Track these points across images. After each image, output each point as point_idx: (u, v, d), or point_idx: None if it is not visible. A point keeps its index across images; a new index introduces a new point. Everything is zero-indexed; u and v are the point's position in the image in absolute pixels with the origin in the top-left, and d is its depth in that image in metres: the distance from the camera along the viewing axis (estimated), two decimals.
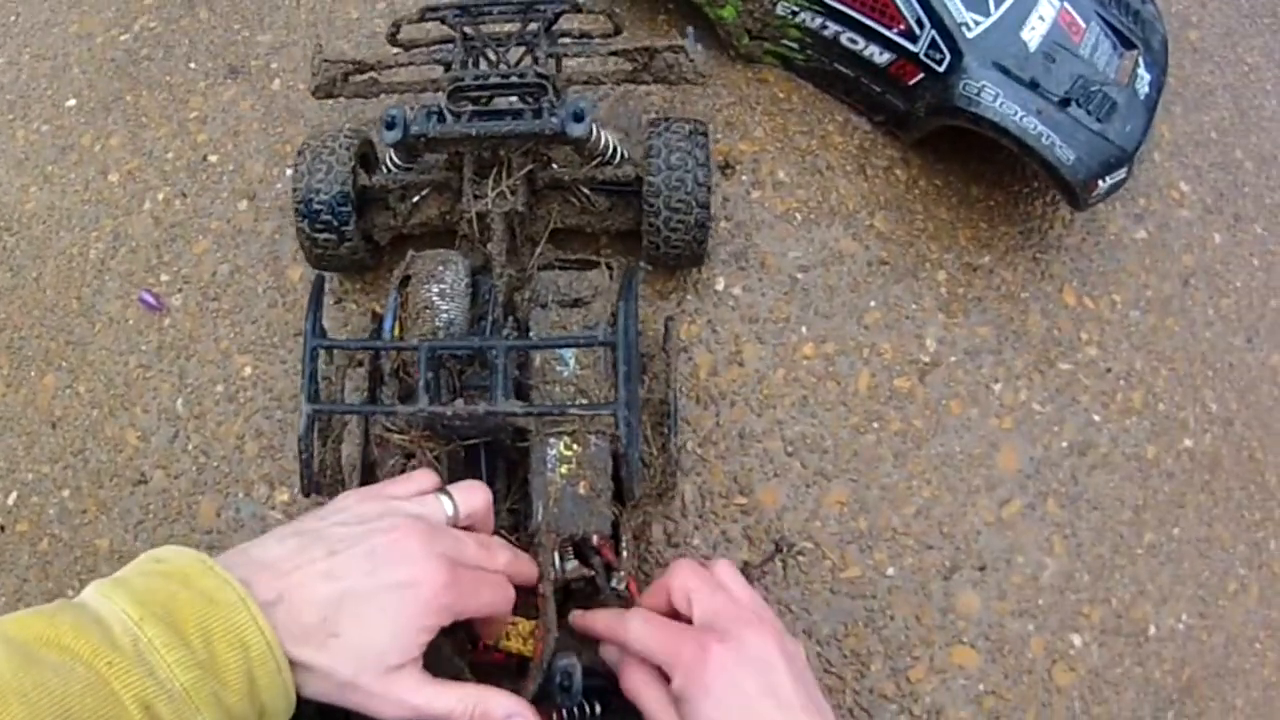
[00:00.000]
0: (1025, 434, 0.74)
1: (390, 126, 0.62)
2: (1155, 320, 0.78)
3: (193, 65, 0.85)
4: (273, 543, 0.46)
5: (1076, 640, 0.72)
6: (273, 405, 0.73)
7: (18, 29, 0.93)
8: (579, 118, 0.62)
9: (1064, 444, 0.74)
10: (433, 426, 0.59)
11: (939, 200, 0.77)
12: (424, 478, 0.55)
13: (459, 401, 0.56)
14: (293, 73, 0.82)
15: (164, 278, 0.78)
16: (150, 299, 0.77)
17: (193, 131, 0.82)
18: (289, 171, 0.78)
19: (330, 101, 0.79)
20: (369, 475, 0.65)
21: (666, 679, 0.52)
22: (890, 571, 0.71)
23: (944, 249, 0.76)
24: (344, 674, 0.43)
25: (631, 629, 0.52)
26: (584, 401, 0.61)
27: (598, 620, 0.57)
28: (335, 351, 0.66)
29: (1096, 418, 0.75)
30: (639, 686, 0.52)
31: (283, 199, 0.77)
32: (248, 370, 0.74)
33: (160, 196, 0.80)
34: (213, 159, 0.80)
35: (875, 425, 0.72)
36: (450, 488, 0.53)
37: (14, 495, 0.77)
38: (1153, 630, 0.73)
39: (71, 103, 0.86)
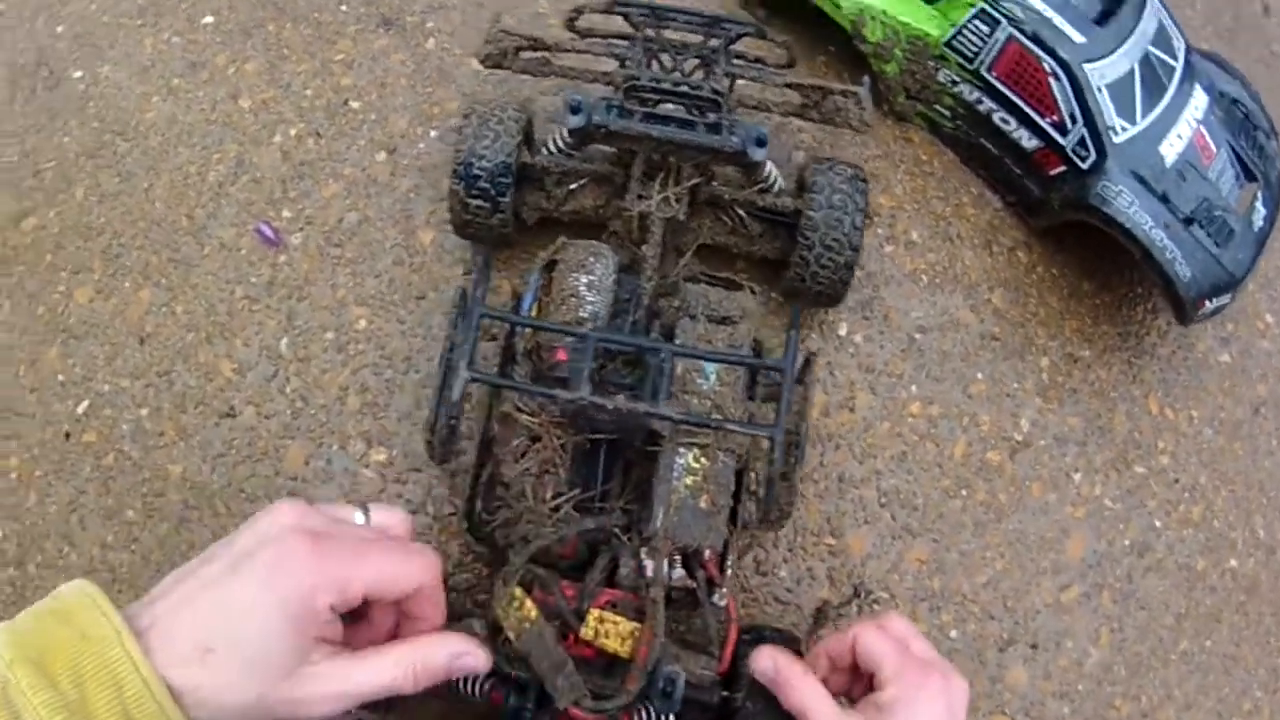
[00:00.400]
0: (1094, 527, 0.77)
1: (575, 111, 0.62)
2: (1224, 442, 0.81)
3: (344, 8, 0.84)
4: (167, 578, 0.42)
5: None
6: (383, 363, 0.72)
7: None
8: (761, 143, 0.63)
9: (1126, 542, 0.77)
10: (578, 416, 0.59)
11: (1053, 288, 0.80)
12: (343, 507, 0.50)
13: (620, 398, 0.56)
14: (450, 35, 0.81)
15: (285, 214, 0.76)
16: (269, 232, 0.75)
17: (336, 74, 0.80)
18: (433, 133, 0.77)
19: (485, 73, 0.78)
20: (485, 450, 0.65)
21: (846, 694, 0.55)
22: (953, 634, 0.72)
23: (1050, 336, 0.79)
24: (242, 691, 0.39)
25: (864, 635, 0.53)
26: (718, 417, 0.61)
27: (829, 643, 0.57)
28: (461, 321, 0.66)
29: (1158, 523, 0.79)
30: (809, 694, 0.52)
31: (424, 159, 0.77)
32: (362, 323, 0.73)
33: (293, 132, 0.79)
34: (355, 105, 0.79)
35: (963, 492, 0.74)
36: (370, 505, 0.49)
37: (86, 404, 0.75)
38: None
39: (208, 20, 0.85)
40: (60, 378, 0.76)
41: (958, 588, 0.73)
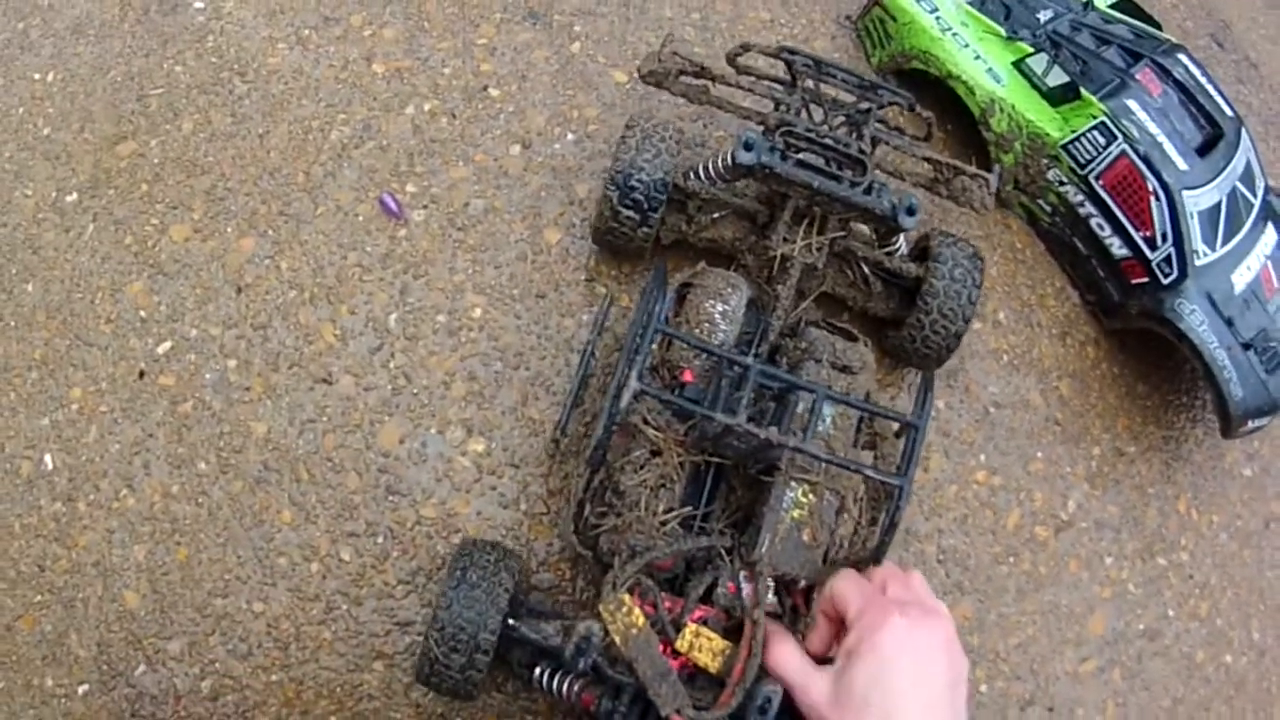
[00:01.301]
0: (1116, 607, 0.82)
1: (748, 148, 0.64)
2: (1236, 548, 0.88)
3: None
4: None
5: None
6: (494, 354, 0.72)
7: None
8: (912, 212, 0.66)
9: (1141, 626, 0.83)
10: (715, 439, 0.61)
11: (1113, 386, 0.85)
12: None
13: (773, 429, 0.58)
14: (595, 42, 0.82)
15: (410, 188, 0.76)
16: (393, 204, 0.74)
17: (477, 57, 0.80)
18: (570, 135, 0.78)
19: (629, 87, 0.80)
20: (600, 454, 0.66)
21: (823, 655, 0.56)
22: (983, 689, 0.77)
23: (1104, 429, 0.84)
24: None
25: (836, 582, 0.56)
26: (870, 466, 0.64)
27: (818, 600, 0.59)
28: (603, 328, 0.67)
29: (1171, 613, 0.85)
30: (784, 653, 0.54)
31: (557, 159, 0.77)
32: (477, 311, 0.73)
33: (426, 107, 0.78)
34: (494, 93, 0.79)
35: (1011, 560, 0.79)
36: None
37: (167, 345, 0.73)
38: None
39: None
40: (142, 314, 0.74)
41: (993, 646, 0.77)
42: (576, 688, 0.62)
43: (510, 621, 0.63)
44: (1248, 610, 0.88)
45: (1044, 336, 0.83)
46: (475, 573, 0.63)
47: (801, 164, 0.67)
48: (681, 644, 0.60)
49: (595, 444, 0.59)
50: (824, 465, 0.64)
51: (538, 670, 0.64)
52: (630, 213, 0.69)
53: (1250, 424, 0.82)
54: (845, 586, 0.56)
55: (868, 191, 0.67)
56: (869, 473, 0.60)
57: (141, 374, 0.72)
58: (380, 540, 0.69)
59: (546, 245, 0.75)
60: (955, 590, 0.77)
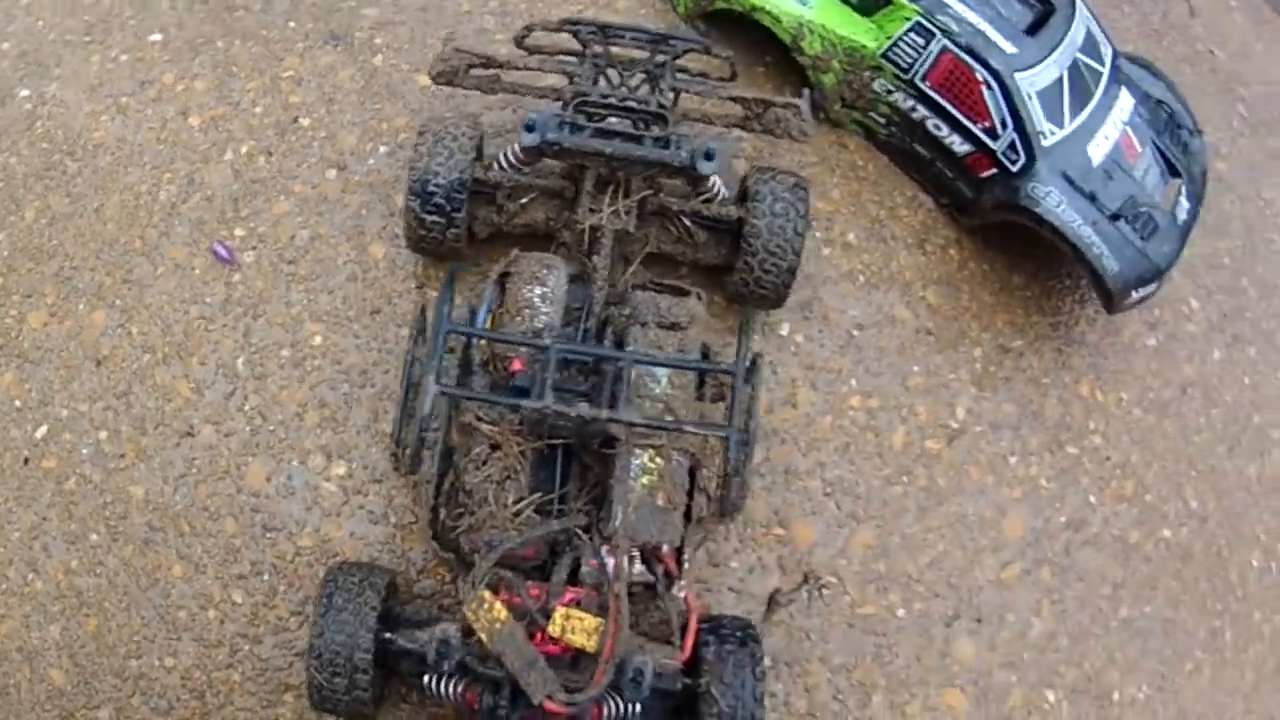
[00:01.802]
0: (1031, 506, 0.81)
1: (530, 129, 0.65)
2: (1154, 420, 0.86)
3: (292, 24, 0.84)
4: None
5: (1051, 696, 0.79)
6: (340, 378, 0.73)
7: None
8: (709, 157, 0.66)
9: (1062, 519, 0.82)
10: (539, 424, 0.62)
11: (984, 284, 0.83)
12: None
13: (583, 405, 0.59)
14: (396, 52, 0.82)
15: (238, 232, 0.77)
16: (223, 251, 0.76)
17: (285, 91, 0.81)
18: (383, 149, 0.79)
19: (433, 89, 0.80)
20: (446, 460, 0.67)
21: None
22: (900, 613, 0.76)
23: (983, 329, 0.82)
24: None
25: None
26: (673, 419, 0.64)
27: None
28: (421, 337, 0.68)
29: (1092, 499, 0.83)
30: None
31: (373, 175, 0.78)
32: (318, 339, 0.74)
33: (244, 150, 0.80)
34: (304, 122, 0.80)
35: (905, 479, 0.78)
36: None
37: (44, 429, 0.75)
38: (1116, 696, 0.80)
39: (156, 37, 0.85)
40: (17, 403, 0.77)
41: (903, 569, 0.77)
42: (460, 688, 0.64)
43: (387, 636, 0.65)
44: (1179, 480, 0.86)
45: (900, 249, 0.81)
46: (341, 596, 0.64)
47: (600, 133, 0.67)
48: (554, 629, 0.62)
49: (411, 452, 0.60)
50: (678, 432, 0.64)
51: (425, 678, 0.66)
52: (435, 217, 0.69)
53: (1135, 294, 0.80)
54: None
55: (665, 145, 0.67)
56: (689, 428, 0.60)
57: (26, 460, 0.75)
58: (266, 577, 0.71)
59: (374, 261, 0.76)
60: (850, 521, 0.76)
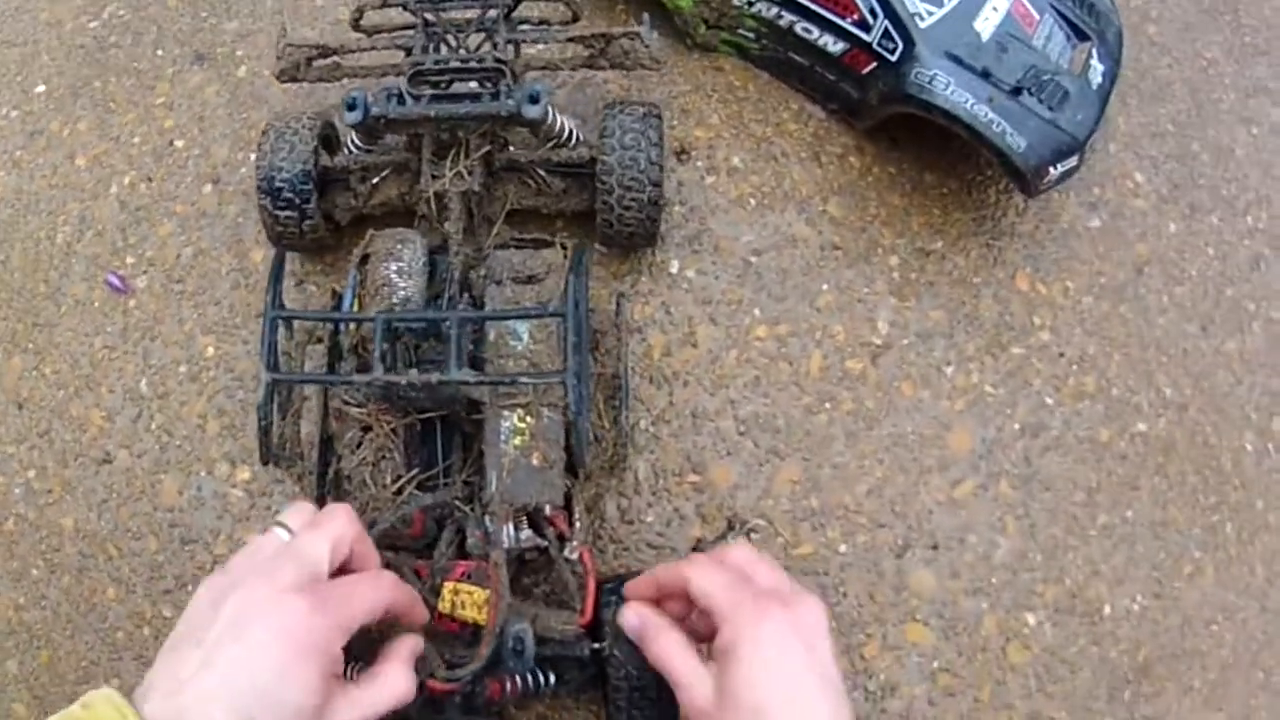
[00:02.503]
0: (977, 416, 0.75)
1: (351, 108, 0.63)
2: (1108, 307, 0.79)
3: (160, 52, 0.86)
4: (155, 668, 0.45)
5: (1030, 619, 0.73)
6: (235, 385, 0.74)
7: None
8: (534, 99, 0.63)
9: (1016, 426, 0.75)
10: (389, 398, 0.60)
11: (892, 187, 0.78)
12: (262, 540, 0.52)
13: (412, 371, 0.57)
14: (258, 59, 0.83)
15: (129, 260, 0.79)
16: (116, 281, 0.78)
17: (159, 117, 0.83)
18: (253, 156, 0.79)
19: (295, 87, 0.80)
20: (327, 449, 0.66)
21: (701, 642, 0.52)
22: (843, 549, 0.72)
23: (897, 235, 0.77)
24: None
25: (695, 575, 0.51)
26: (526, 373, 0.62)
27: (658, 571, 0.56)
28: (295, 328, 0.67)
29: (1049, 401, 0.77)
30: (670, 649, 0.50)
31: (247, 183, 0.78)
32: (210, 350, 0.75)
33: (126, 181, 0.81)
34: (179, 144, 0.81)
35: (827, 406, 0.73)
36: (281, 515, 0.52)
37: None
38: (1108, 610, 0.74)
39: (40, 89, 0.87)
40: None
41: (839, 501, 0.72)
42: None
43: None
44: (1147, 368, 0.79)
45: (793, 164, 0.77)
46: None
47: (439, 98, 0.66)
48: (443, 605, 0.60)
49: (259, 444, 0.60)
50: (533, 387, 0.62)
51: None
52: (287, 212, 0.69)
53: (1053, 171, 0.73)
54: (705, 580, 0.51)
55: (495, 98, 0.65)
56: (524, 380, 0.58)
57: None
58: (190, 589, 0.72)
59: (254, 266, 0.76)
60: (772, 457, 0.72)
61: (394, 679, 0.49)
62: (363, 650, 0.55)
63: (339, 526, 0.50)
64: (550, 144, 0.69)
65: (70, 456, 0.76)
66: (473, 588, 0.60)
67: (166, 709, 0.41)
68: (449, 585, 0.60)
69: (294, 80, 0.72)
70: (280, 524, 0.51)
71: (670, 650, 0.51)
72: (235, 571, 0.47)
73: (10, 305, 0.81)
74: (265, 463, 0.60)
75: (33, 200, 0.83)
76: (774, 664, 0.46)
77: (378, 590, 0.50)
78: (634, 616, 0.55)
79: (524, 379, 0.57)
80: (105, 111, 0.85)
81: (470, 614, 0.59)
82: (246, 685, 0.42)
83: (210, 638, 0.43)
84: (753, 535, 0.71)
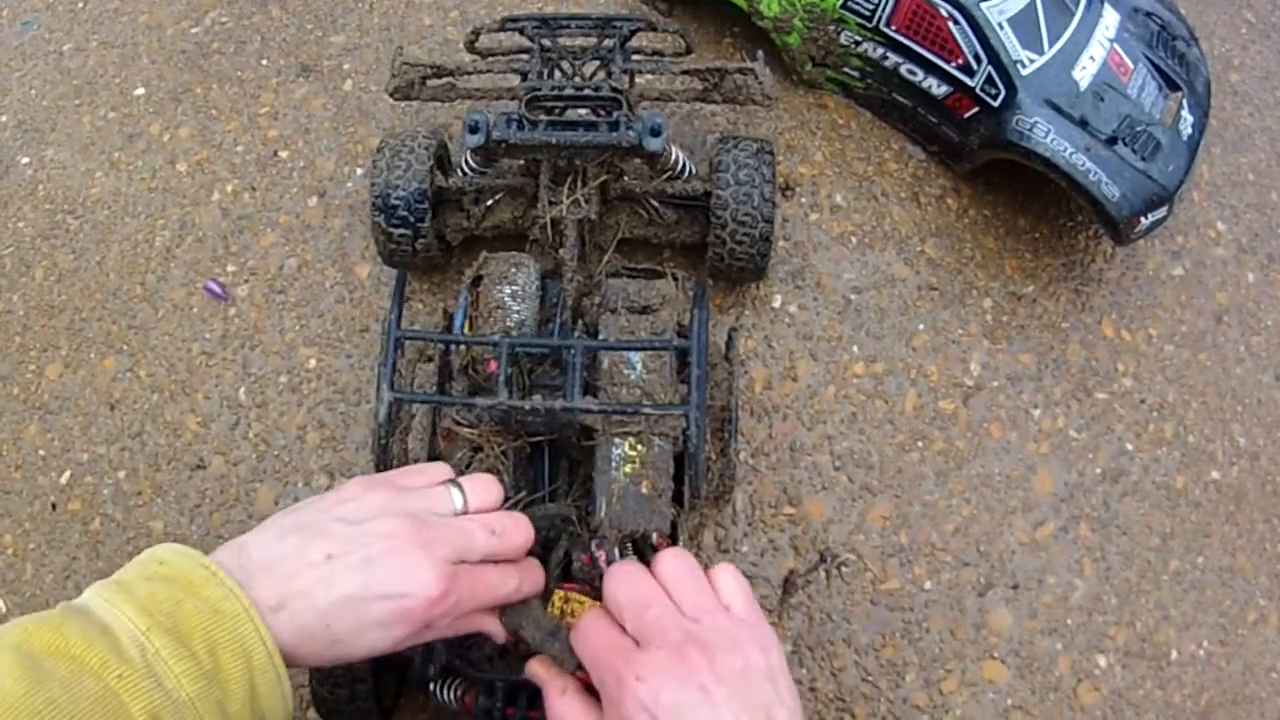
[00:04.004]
0: (1061, 459, 0.76)
1: (473, 130, 0.64)
2: (1189, 355, 0.80)
3: (265, 62, 0.86)
4: (273, 538, 0.45)
5: (1102, 661, 0.74)
6: (336, 398, 0.74)
7: (85, 15, 0.94)
8: (656, 133, 0.64)
9: (1097, 470, 0.77)
10: (506, 421, 0.61)
11: (987, 230, 0.79)
12: (436, 470, 0.53)
13: (536, 397, 0.58)
14: (365, 74, 0.84)
15: (230, 268, 0.79)
16: (216, 288, 0.78)
17: (263, 127, 0.83)
18: (359, 170, 0.80)
19: (404, 104, 0.81)
20: (383, 469, 0.67)
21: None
22: (928, 585, 0.73)
23: (990, 277, 0.78)
24: (344, 663, 0.46)
25: (578, 630, 0.48)
26: (649, 404, 0.63)
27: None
28: (405, 346, 0.68)
29: (1129, 446, 0.78)
30: (558, 709, 0.48)
31: (353, 197, 0.79)
32: (312, 363, 0.75)
33: (229, 188, 0.82)
34: (283, 154, 0.82)
35: (919, 444, 0.75)
36: (460, 480, 0.52)
37: (67, 474, 0.78)
38: (1174, 655, 0.75)
39: (140, 92, 0.88)
40: (41, 452, 0.80)
41: (926, 539, 0.73)
42: (460, 691, 0.64)
43: None
44: (1224, 417, 0.80)
45: (893, 204, 0.78)
46: None
47: (555, 125, 0.67)
48: (553, 610, 0.60)
49: (375, 460, 0.60)
50: (646, 416, 0.63)
51: (429, 685, 0.66)
52: (401, 230, 0.70)
53: (1144, 221, 0.75)
54: (586, 640, 0.47)
55: (615, 128, 0.66)
56: (648, 410, 0.58)
57: (54, 506, 0.78)
58: None
59: (360, 281, 0.77)
60: (865, 494, 0.73)
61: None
62: None
63: (511, 549, 0.51)
64: (665, 175, 0.70)
65: (163, 460, 0.76)
66: (584, 599, 0.60)
67: (264, 586, 0.42)
68: (559, 593, 0.61)
69: (407, 98, 0.73)
70: (457, 484, 0.51)
71: (561, 712, 0.48)
72: (400, 501, 0.48)
73: (105, 307, 0.81)
74: None
75: (131, 203, 0.84)
76: None
77: (513, 579, 0.51)
78: (532, 669, 0.53)
79: (647, 409, 0.58)
80: (207, 118, 0.85)
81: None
82: (350, 618, 0.43)
83: (342, 554, 0.44)
84: (843, 569, 0.72)
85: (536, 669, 0.52)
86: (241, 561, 0.43)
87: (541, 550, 0.65)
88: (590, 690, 0.49)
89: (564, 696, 0.48)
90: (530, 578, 0.54)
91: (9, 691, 0.35)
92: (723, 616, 0.45)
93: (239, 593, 0.41)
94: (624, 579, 0.48)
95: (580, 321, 0.67)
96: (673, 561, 0.48)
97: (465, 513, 0.52)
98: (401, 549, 0.45)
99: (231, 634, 0.40)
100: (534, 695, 0.60)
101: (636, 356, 0.65)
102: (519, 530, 0.53)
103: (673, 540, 0.64)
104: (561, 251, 0.68)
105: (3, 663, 0.36)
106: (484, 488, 0.54)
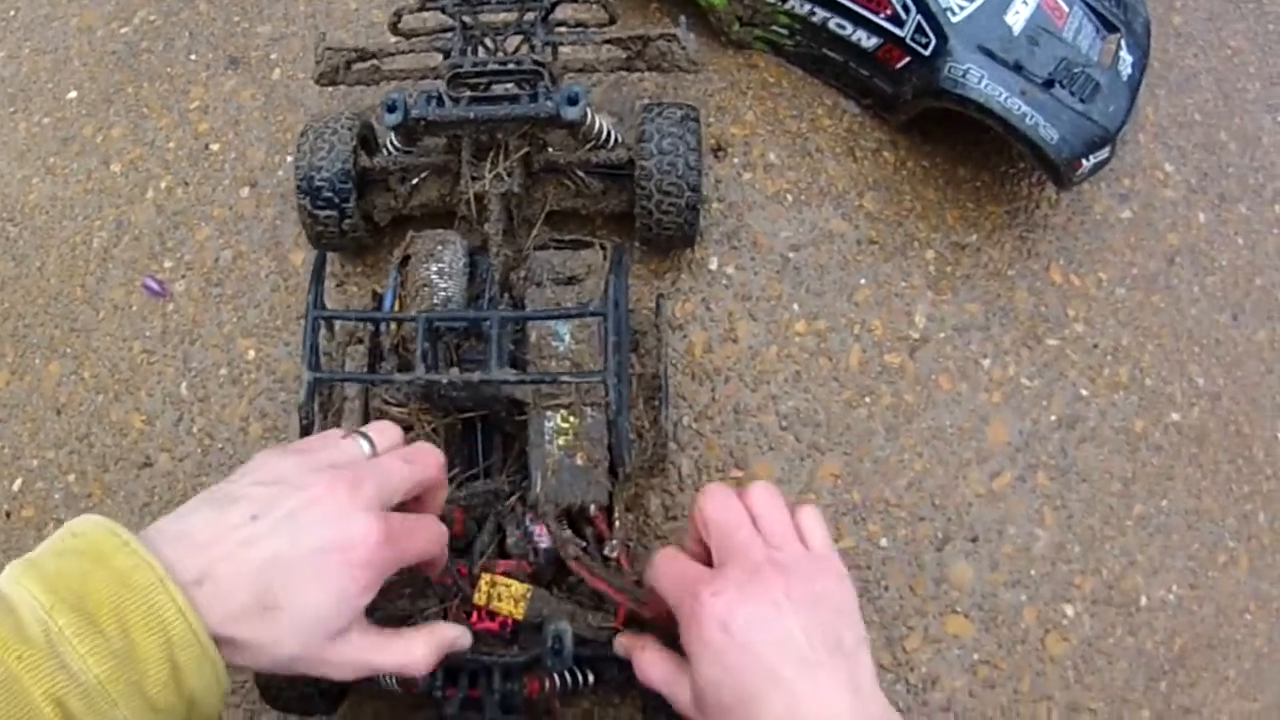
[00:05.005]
0: (1014, 408, 0.75)
1: (391, 110, 0.63)
2: (1141, 297, 0.79)
3: (193, 57, 0.86)
4: (186, 512, 0.42)
5: (1069, 610, 0.73)
6: (276, 387, 0.74)
7: (18, 23, 0.94)
8: (573, 101, 0.63)
9: (1052, 418, 0.76)
10: (430, 398, 0.60)
11: (927, 181, 0.78)
12: (334, 432, 0.50)
13: (454, 370, 0.58)
14: (292, 62, 0.83)
15: (167, 264, 0.79)
16: (154, 285, 0.78)
17: (194, 121, 0.83)
18: (290, 158, 0.79)
19: (331, 90, 0.80)
20: None
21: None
22: (884, 543, 0.72)
23: (932, 228, 0.77)
24: (289, 647, 0.40)
25: (652, 565, 0.49)
26: (567, 373, 0.62)
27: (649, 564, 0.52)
28: (337, 329, 0.68)
29: (1084, 392, 0.77)
30: (644, 666, 0.49)
31: (284, 185, 0.79)
32: (251, 354, 0.75)
33: (163, 185, 0.81)
34: (214, 147, 0.81)
35: (867, 400, 0.74)
36: (364, 428, 0.50)
37: (19, 482, 0.78)
38: (1144, 601, 0.74)
39: (72, 95, 0.88)
40: None
41: (879, 495, 0.72)
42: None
43: None
44: (1181, 358, 0.79)
45: (828, 160, 0.77)
46: None
47: (478, 100, 0.66)
48: (479, 598, 0.60)
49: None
50: (574, 386, 0.62)
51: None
52: (327, 212, 0.69)
53: (1085, 163, 0.74)
54: (661, 572, 0.48)
55: (534, 100, 0.65)
56: (565, 378, 0.58)
57: (8, 514, 0.78)
58: None
59: (294, 269, 0.76)
60: (814, 452, 0.72)
61: (415, 647, 0.46)
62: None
63: (429, 472, 0.48)
64: (589, 145, 0.69)
65: (110, 461, 0.76)
66: (510, 581, 0.60)
67: (184, 557, 0.38)
68: (486, 577, 0.60)
69: (333, 83, 0.72)
70: (363, 434, 0.48)
71: (644, 667, 0.50)
72: (311, 458, 0.45)
73: (47, 311, 0.81)
74: None
75: (68, 206, 0.83)
76: (725, 658, 0.42)
77: (432, 538, 0.48)
78: (619, 643, 0.55)
79: (564, 378, 0.58)
80: (139, 117, 0.85)
81: (506, 607, 0.59)
82: (279, 573, 0.39)
83: (265, 513, 0.40)
84: None
85: (622, 640, 0.54)
86: (158, 536, 0.40)
87: (475, 527, 0.65)
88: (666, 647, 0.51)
89: (644, 652, 0.50)
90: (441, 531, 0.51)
91: None
92: (802, 549, 0.47)
93: (153, 561, 0.37)
94: (719, 500, 0.49)
95: (509, 296, 0.67)
96: (763, 493, 0.50)
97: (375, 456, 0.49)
98: (328, 496, 0.42)
99: (144, 607, 0.36)
100: (474, 675, 0.59)
101: (564, 328, 0.64)
102: (430, 452, 0.50)
103: (609, 513, 0.64)
104: (486, 226, 0.67)
105: None
106: (386, 430, 0.50)
